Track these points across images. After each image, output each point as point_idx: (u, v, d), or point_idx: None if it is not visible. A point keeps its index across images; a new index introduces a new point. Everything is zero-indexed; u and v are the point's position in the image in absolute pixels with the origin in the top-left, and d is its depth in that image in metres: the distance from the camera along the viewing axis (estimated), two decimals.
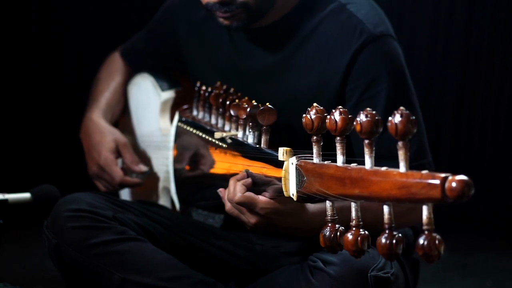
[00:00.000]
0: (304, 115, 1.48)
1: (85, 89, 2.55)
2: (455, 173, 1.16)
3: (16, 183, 2.88)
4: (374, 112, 1.28)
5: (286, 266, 1.96)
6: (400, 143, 1.21)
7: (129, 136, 2.51)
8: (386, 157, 1.44)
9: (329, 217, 1.44)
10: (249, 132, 1.83)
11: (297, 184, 1.52)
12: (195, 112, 2.21)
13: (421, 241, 1.18)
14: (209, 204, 2.18)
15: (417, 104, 2.03)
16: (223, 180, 1.93)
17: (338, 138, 1.38)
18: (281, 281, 1.91)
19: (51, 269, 2.12)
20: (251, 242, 2.13)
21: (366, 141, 1.29)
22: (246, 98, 1.92)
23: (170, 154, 2.28)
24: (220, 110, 2.02)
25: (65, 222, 1.98)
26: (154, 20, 2.46)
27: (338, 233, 1.41)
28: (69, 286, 2.05)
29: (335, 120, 1.37)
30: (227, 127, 1.98)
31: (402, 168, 1.21)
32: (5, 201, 1.92)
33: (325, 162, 1.43)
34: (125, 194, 2.58)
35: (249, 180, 1.74)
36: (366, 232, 1.34)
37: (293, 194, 1.55)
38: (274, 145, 1.69)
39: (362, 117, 1.28)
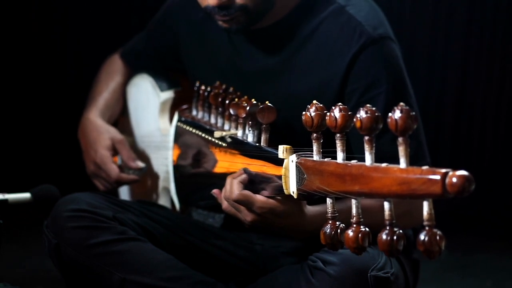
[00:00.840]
0: (304, 112, 1.48)
1: (85, 90, 2.55)
2: (456, 170, 1.15)
3: (16, 183, 2.87)
4: (374, 108, 1.29)
5: (286, 266, 1.96)
6: (400, 139, 1.21)
7: (129, 136, 2.51)
8: (386, 160, 1.43)
9: (329, 214, 1.44)
10: (249, 130, 1.83)
11: (297, 182, 1.52)
12: (194, 112, 2.21)
13: (422, 236, 1.18)
14: (209, 203, 2.18)
15: (416, 107, 2.04)
16: (223, 179, 1.93)
17: (338, 135, 1.38)
18: (281, 281, 1.91)
19: (51, 269, 2.12)
20: (251, 242, 2.13)
21: (366, 138, 1.29)
22: (246, 97, 1.92)
23: (170, 154, 2.28)
24: (220, 109, 2.03)
25: (65, 222, 1.98)
26: (153, 21, 2.46)
27: (339, 230, 1.41)
28: (69, 286, 2.05)
29: (335, 117, 1.37)
30: (226, 126, 1.98)
31: (403, 164, 1.21)
32: (5, 201, 1.92)
33: (325, 159, 1.43)
34: (125, 194, 2.58)
35: (245, 176, 1.74)
36: (367, 229, 1.34)
37: (293, 192, 1.55)
38: (274, 143, 1.69)
39: (362, 114, 1.28)
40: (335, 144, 1.39)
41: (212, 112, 2.08)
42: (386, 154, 1.35)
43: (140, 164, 2.34)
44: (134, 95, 2.52)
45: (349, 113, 1.37)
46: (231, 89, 2.08)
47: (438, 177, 1.14)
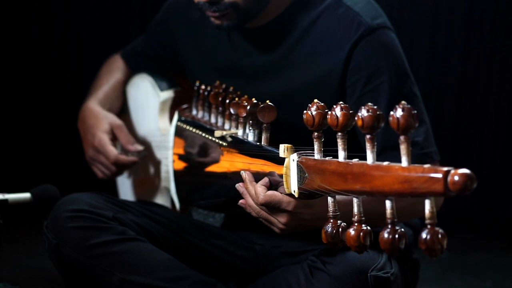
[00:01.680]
0: (305, 111, 1.48)
1: (85, 90, 2.55)
2: (458, 168, 1.15)
3: (16, 183, 2.88)
4: (375, 107, 1.28)
5: (286, 266, 1.96)
6: (402, 137, 1.21)
7: None
8: (394, 149, 1.43)
9: (331, 213, 1.43)
10: (249, 130, 1.83)
11: (298, 181, 1.52)
12: (194, 112, 2.21)
13: (424, 235, 1.17)
14: (209, 203, 2.17)
15: (419, 94, 2.04)
16: (224, 178, 1.93)
17: (339, 133, 1.37)
18: (281, 281, 1.91)
19: (51, 269, 2.12)
20: (251, 242, 2.13)
21: (368, 136, 1.28)
22: (246, 96, 1.92)
23: (170, 153, 2.27)
24: (220, 108, 2.02)
25: (65, 223, 1.98)
26: (153, 23, 2.47)
27: (340, 229, 1.41)
28: (69, 286, 2.05)
29: (336, 116, 1.37)
30: (227, 126, 1.98)
31: (404, 162, 1.21)
32: (5, 201, 1.92)
33: (327, 158, 1.42)
34: (125, 194, 2.57)
35: (267, 179, 1.70)
36: (369, 228, 1.34)
37: (294, 191, 1.55)
38: (274, 142, 1.69)
39: (363, 112, 1.28)
40: (336, 142, 1.39)
41: (212, 112, 2.07)
42: (396, 143, 1.31)
43: (139, 147, 2.34)
44: (134, 95, 2.52)
45: (351, 112, 1.37)
46: (231, 89, 2.08)
47: (440, 175, 1.14)
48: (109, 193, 2.20)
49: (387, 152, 1.73)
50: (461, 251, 3.52)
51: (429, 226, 1.18)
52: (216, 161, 1.98)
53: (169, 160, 2.28)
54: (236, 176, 1.84)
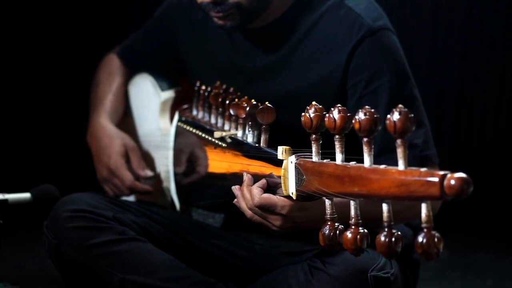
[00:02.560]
0: (303, 113, 1.48)
1: (85, 90, 2.55)
2: (454, 172, 1.15)
3: (16, 183, 2.88)
4: (372, 110, 1.28)
5: (286, 266, 1.96)
6: (398, 141, 1.21)
7: (130, 136, 2.51)
8: (392, 151, 1.43)
9: (328, 216, 1.44)
10: (249, 131, 1.83)
11: (296, 183, 1.52)
12: (194, 112, 2.21)
13: (420, 239, 1.18)
14: (209, 203, 2.18)
15: (419, 96, 2.04)
16: (223, 179, 1.93)
17: (337, 136, 1.37)
18: (281, 281, 1.91)
19: (51, 269, 2.12)
20: (251, 242, 2.13)
21: (365, 139, 1.28)
22: (246, 97, 1.92)
23: (170, 154, 2.27)
24: (220, 109, 2.03)
25: (65, 223, 1.98)
26: (152, 21, 2.46)
27: (338, 232, 1.41)
28: (69, 286, 2.05)
29: (334, 119, 1.37)
30: (226, 127, 1.98)
31: (401, 166, 1.21)
32: (5, 201, 1.92)
33: (324, 161, 1.42)
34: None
35: (264, 181, 1.70)
36: (365, 231, 1.34)
37: (292, 193, 1.55)
38: (275, 143, 1.69)
39: (361, 115, 1.28)
40: (334, 145, 1.39)
41: (212, 112, 2.08)
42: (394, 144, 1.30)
43: (149, 173, 2.33)
44: (135, 95, 2.52)
45: (348, 114, 1.37)
46: (231, 89, 2.08)
47: (436, 179, 1.14)
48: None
49: (385, 154, 1.73)
50: (461, 251, 3.52)
51: (425, 230, 1.18)
52: (215, 162, 1.98)
53: (169, 160, 2.28)
54: (235, 177, 1.84)
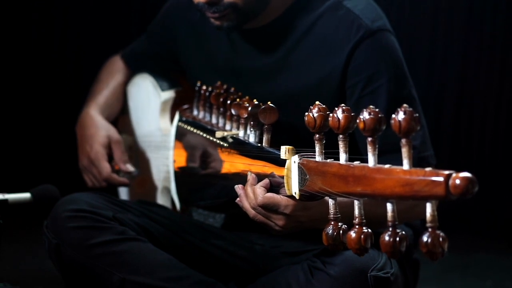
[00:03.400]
0: (306, 113, 1.48)
1: (85, 90, 2.55)
2: (459, 171, 1.15)
3: (16, 183, 2.87)
4: (377, 109, 1.28)
5: (286, 266, 1.96)
6: (403, 141, 1.21)
7: (129, 136, 2.51)
8: (391, 152, 1.43)
9: (331, 215, 1.43)
10: (251, 131, 1.82)
11: (299, 183, 1.51)
12: (195, 112, 2.21)
13: (425, 238, 1.17)
14: (210, 203, 2.17)
15: (417, 97, 2.05)
16: (224, 179, 1.93)
17: (340, 136, 1.37)
18: (281, 281, 1.91)
19: (51, 269, 2.12)
20: (251, 242, 2.13)
21: (369, 139, 1.28)
22: (247, 97, 1.92)
23: (170, 154, 2.27)
24: (221, 109, 2.02)
25: (65, 223, 1.98)
26: (153, 23, 2.47)
27: (341, 231, 1.41)
28: (69, 286, 2.05)
29: (338, 118, 1.37)
30: (228, 127, 1.98)
31: (406, 165, 1.21)
32: (5, 201, 1.92)
33: (328, 160, 1.42)
34: (125, 194, 2.58)
35: (267, 181, 1.69)
36: (369, 230, 1.33)
37: (295, 193, 1.55)
38: (275, 144, 1.69)
39: (365, 115, 1.28)
40: (337, 144, 1.39)
41: (214, 112, 2.07)
42: (394, 145, 1.30)
43: (130, 168, 2.35)
44: (135, 95, 2.51)
45: (352, 114, 1.37)
46: (232, 89, 2.07)
47: (441, 178, 1.14)
48: (109, 193, 2.20)
49: (386, 154, 1.73)
50: (461, 251, 3.52)
51: (430, 229, 1.17)
52: (216, 162, 1.98)
53: (169, 160, 2.28)
54: (236, 177, 1.84)
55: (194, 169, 2.15)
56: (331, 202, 1.44)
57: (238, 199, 1.78)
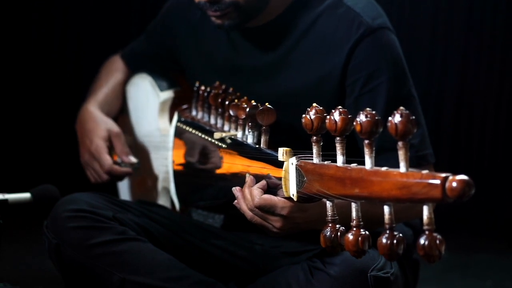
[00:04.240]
0: (303, 115, 1.48)
1: (85, 90, 2.55)
2: (455, 173, 1.15)
3: (16, 183, 2.87)
4: (374, 112, 1.28)
5: (286, 266, 1.96)
6: (400, 143, 1.21)
7: (128, 136, 2.51)
8: (391, 150, 1.43)
9: (329, 217, 1.43)
10: (249, 132, 1.82)
11: (297, 185, 1.51)
12: (194, 112, 2.21)
13: (422, 241, 1.17)
14: (209, 204, 2.17)
15: (416, 96, 2.04)
16: (223, 180, 1.93)
17: (338, 138, 1.37)
18: (281, 281, 1.91)
19: (51, 269, 2.12)
20: (251, 242, 2.13)
21: (366, 141, 1.28)
22: (245, 98, 1.92)
23: (170, 154, 2.27)
24: (219, 110, 2.02)
25: (65, 223, 1.98)
26: (153, 24, 2.47)
27: (339, 234, 1.41)
28: (69, 286, 2.05)
29: (335, 121, 1.37)
30: (226, 127, 1.98)
31: (403, 168, 1.21)
32: (5, 201, 1.92)
33: (325, 163, 1.42)
34: (125, 194, 2.58)
35: (264, 182, 1.69)
36: (367, 232, 1.34)
37: (293, 195, 1.55)
38: (276, 143, 1.69)
39: (362, 118, 1.28)
40: (335, 146, 1.39)
41: (212, 113, 2.07)
42: (393, 143, 1.30)
43: (133, 159, 2.34)
44: (134, 95, 2.51)
45: (349, 116, 1.37)
46: (230, 90, 2.07)
47: (438, 181, 1.14)
48: (109, 193, 2.20)
49: (384, 152, 1.73)
50: (461, 251, 3.52)
51: (427, 232, 1.18)
52: (215, 162, 1.98)
53: (168, 160, 2.28)
54: (235, 178, 1.84)
55: (193, 170, 2.15)
56: (328, 204, 1.44)
57: (235, 201, 1.78)
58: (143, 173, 2.44)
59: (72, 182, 2.91)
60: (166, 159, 2.31)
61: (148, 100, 2.44)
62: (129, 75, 2.52)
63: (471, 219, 4.14)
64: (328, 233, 1.42)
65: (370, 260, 1.81)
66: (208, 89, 2.12)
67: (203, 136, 2.05)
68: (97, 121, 2.36)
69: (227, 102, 1.96)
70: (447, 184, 1.13)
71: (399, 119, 1.19)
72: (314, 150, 1.46)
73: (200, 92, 2.15)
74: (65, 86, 4.15)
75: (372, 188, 1.25)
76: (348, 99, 2.00)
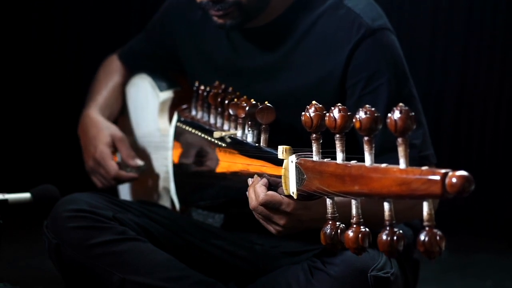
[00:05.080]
0: (303, 113, 1.48)
1: (85, 90, 2.55)
2: (456, 170, 1.15)
3: (16, 183, 2.87)
4: (373, 109, 1.28)
5: (286, 266, 1.96)
6: (399, 140, 1.21)
7: (128, 136, 2.51)
8: (392, 150, 1.43)
9: (329, 215, 1.43)
10: (248, 131, 1.82)
11: (297, 182, 1.51)
12: (194, 112, 2.21)
13: (422, 237, 1.17)
14: (209, 203, 2.17)
15: (417, 96, 2.05)
16: (223, 179, 1.93)
17: (337, 135, 1.37)
18: (281, 281, 1.91)
19: (51, 269, 2.12)
20: (251, 242, 2.13)
21: (366, 138, 1.28)
22: (245, 97, 1.92)
23: (169, 154, 2.27)
24: (219, 109, 2.02)
25: (65, 222, 1.98)
26: (152, 22, 2.47)
27: (339, 231, 1.41)
28: (69, 286, 2.05)
29: (334, 118, 1.37)
30: (226, 127, 1.98)
31: (402, 164, 1.21)
32: (5, 201, 1.92)
33: (325, 160, 1.42)
34: (125, 194, 2.58)
35: (266, 180, 1.68)
36: (367, 229, 1.33)
37: (293, 192, 1.55)
38: (273, 143, 1.69)
39: (361, 114, 1.28)
40: (334, 144, 1.39)
41: (212, 112, 2.07)
42: (394, 144, 1.30)
43: (139, 162, 2.34)
44: (134, 95, 2.51)
45: (349, 113, 1.37)
46: (230, 89, 2.08)
47: (437, 177, 1.14)
48: (109, 193, 2.21)
49: (386, 153, 1.73)
50: (461, 251, 3.52)
51: (427, 228, 1.17)
52: (215, 162, 1.98)
53: (168, 160, 2.28)
54: (235, 177, 1.84)
55: (193, 169, 2.15)
56: (328, 201, 1.44)
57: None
58: (143, 173, 2.44)
59: (72, 182, 2.91)
60: (166, 159, 2.31)
61: (147, 100, 2.44)
62: (127, 75, 2.52)
63: (471, 219, 4.14)
64: (328, 230, 1.42)
65: (370, 260, 1.80)
66: (208, 88, 2.12)
67: (203, 135, 2.06)
68: (100, 127, 2.36)
69: (226, 101, 1.96)
70: (447, 180, 1.13)
71: (399, 115, 1.19)
72: (314, 148, 1.46)
73: (200, 91, 2.15)
74: (65, 86, 4.15)
75: (372, 184, 1.25)
76: (349, 101, 2.00)
